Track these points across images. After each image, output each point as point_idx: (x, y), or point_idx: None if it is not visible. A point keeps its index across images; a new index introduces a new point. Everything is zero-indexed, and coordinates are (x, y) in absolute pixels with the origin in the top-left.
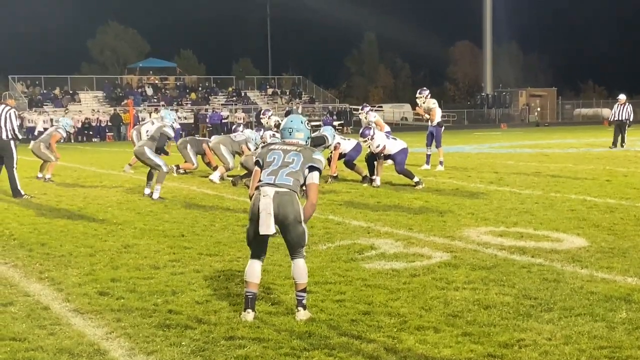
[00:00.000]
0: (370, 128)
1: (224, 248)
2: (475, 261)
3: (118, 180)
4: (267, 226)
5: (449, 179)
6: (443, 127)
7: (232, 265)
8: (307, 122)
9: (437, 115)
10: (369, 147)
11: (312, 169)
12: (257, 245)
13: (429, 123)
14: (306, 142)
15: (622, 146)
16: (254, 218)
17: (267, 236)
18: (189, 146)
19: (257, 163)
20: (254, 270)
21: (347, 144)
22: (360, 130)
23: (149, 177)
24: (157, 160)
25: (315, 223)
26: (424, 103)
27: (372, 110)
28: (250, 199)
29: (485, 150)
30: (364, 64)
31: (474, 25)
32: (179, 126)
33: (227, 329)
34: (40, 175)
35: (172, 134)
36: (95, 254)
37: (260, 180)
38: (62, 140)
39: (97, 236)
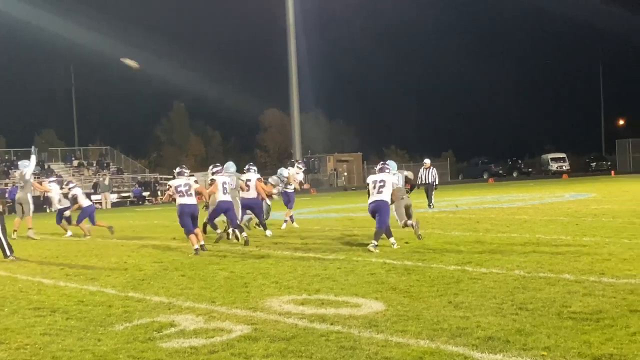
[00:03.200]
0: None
1: (11, 335)
2: (276, 332)
3: None
4: None
5: (256, 247)
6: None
7: (18, 354)
8: None
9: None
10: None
11: None
12: None
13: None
14: None
15: (429, 207)
16: None
17: None
18: None
19: None
20: None
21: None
22: None
23: None
24: None
25: (114, 302)
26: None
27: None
28: None
29: (294, 216)
30: (174, 133)
31: (281, 93)
32: None
33: None
34: None
35: None
36: None
37: None
38: None
39: None
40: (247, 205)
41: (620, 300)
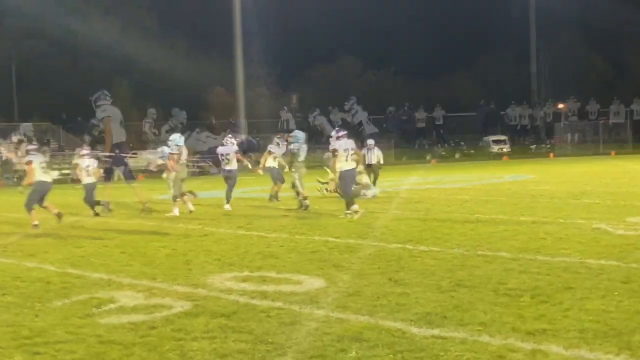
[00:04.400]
0: None
1: None
2: (217, 308)
3: None
4: None
5: (199, 225)
6: None
7: None
8: None
9: None
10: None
11: None
12: None
13: None
14: None
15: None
16: None
17: None
18: None
19: None
20: None
21: None
22: None
23: None
24: None
25: (52, 278)
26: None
27: None
28: None
29: (238, 195)
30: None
31: (227, 72)
32: None
33: None
34: None
35: None
36: None
37: None
38: None
39: None
40: (226, 176)
41: (554, 277)
